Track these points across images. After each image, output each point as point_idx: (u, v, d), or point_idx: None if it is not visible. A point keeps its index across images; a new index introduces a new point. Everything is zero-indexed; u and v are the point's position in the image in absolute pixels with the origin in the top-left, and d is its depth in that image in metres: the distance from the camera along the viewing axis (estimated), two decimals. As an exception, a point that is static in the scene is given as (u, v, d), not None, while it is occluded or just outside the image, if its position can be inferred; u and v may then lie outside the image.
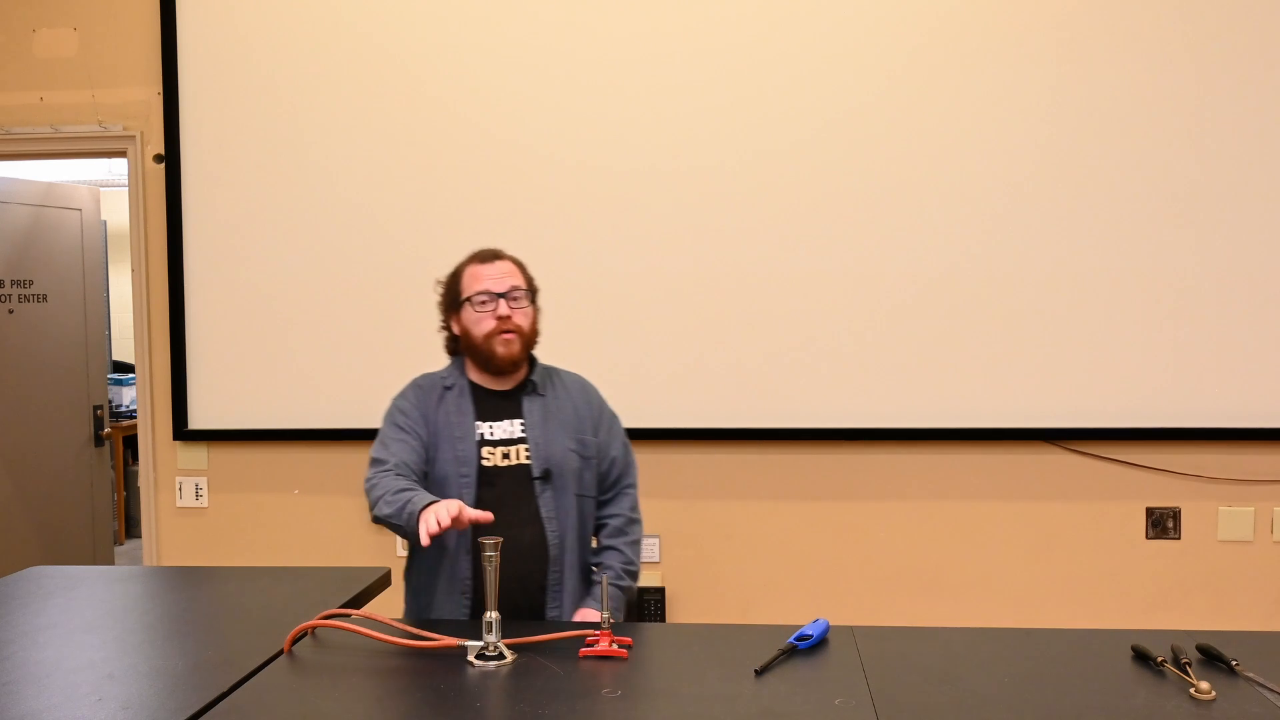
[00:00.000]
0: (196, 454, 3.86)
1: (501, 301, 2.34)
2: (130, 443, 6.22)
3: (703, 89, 3.60)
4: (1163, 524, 3.61)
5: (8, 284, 4.51)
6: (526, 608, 2.31)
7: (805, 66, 3.57)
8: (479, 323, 2.35)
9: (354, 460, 3.78)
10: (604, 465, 2.47)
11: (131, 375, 5.94)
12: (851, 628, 2.12)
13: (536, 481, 2.34)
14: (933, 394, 3.58)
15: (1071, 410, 3.55)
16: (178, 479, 3.88)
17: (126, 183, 3.87)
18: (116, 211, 5.30)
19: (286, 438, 3.79)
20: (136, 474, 5.09)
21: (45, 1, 3.85)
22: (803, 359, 3.61)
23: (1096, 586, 3.63)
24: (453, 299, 2.41)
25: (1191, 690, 1.75)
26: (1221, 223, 3.50)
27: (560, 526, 2.35)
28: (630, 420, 3.64)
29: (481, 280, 2.37)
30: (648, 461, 3.69)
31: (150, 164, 3.82)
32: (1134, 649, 1.95)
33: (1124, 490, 3.61)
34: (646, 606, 3.69)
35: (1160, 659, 1.88)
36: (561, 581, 2.34)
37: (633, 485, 2.53)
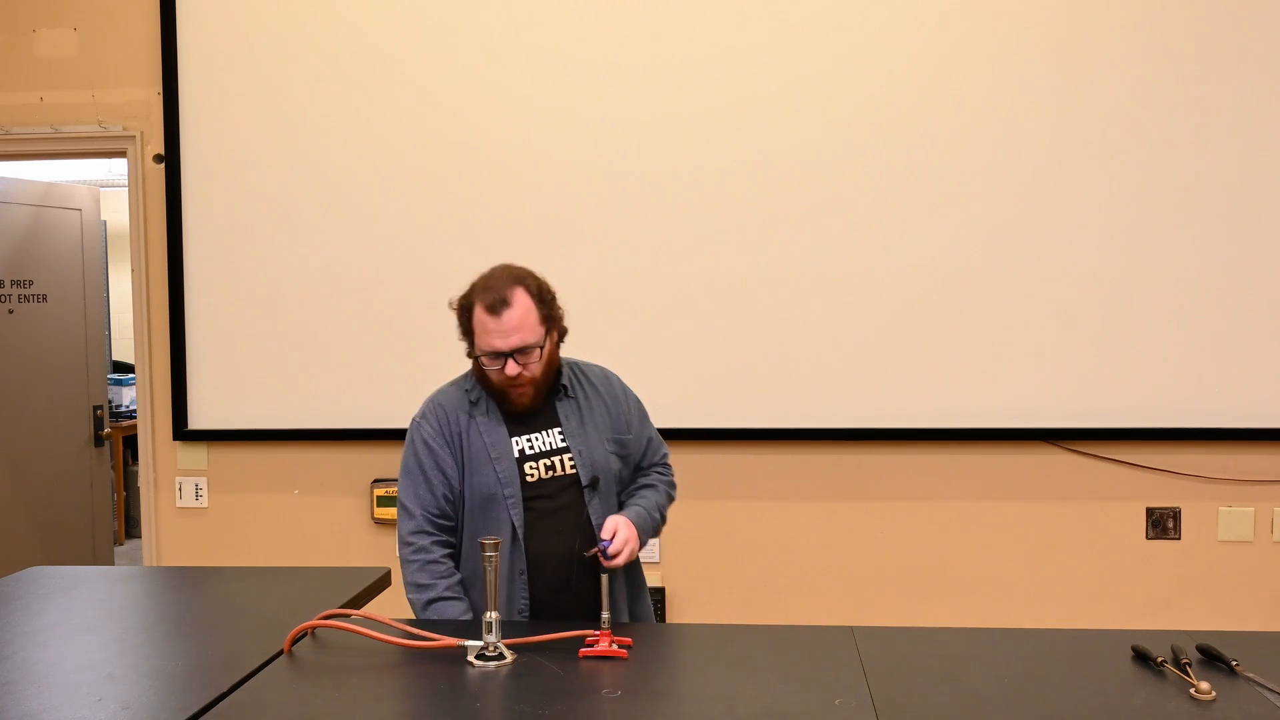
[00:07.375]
0: (196, 454, 3.86)
1: (510, 361, 2.24)
2: (130, 443, 6.22)
3: (706, 90, 3.60)
4: (1163, 524, 3.61)
5: (8, 284, 4.51)
6: (580, 614, 2.24)
7: (811, 69, 3.57)
8: (490, 373, 2.28)
9: (354, 460, 3.79)
10: (639, 452, 2.44)
11: (131, 375, 5.93)
12: (851, 628, 2.11)
13: (585, 490, 2.29)
14: (933, 394, 3.58)
15: (1071, 410, 3.55)
16: (178, 479, 3.88)
17: (126, 183, 3.87)
18: (116, 211, 5.29)
19: (286, 438, 3.79)
20: (136, 474, 5.09)
21: (45, 1, 3.85)
22: (803, 359, 3.61)
23: (1096, 586, 3.63)
24: (466, 330, 2.31)
25: (1191, 690, 1.75)
26: (1222, 223, 3.50)
27: None
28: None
29: (489, 338, 2.23)
30: (648, 461, 3.72)
31: (150, 164, 3.82)
32: (1134, 649, 1.95)
33: (1124, 490, 3.61)
34: (646, 606, 3.68)
35: (1160, 659, 1.88)
36: (613, 584, 2.28)
37: (668, 454, 2.51)
